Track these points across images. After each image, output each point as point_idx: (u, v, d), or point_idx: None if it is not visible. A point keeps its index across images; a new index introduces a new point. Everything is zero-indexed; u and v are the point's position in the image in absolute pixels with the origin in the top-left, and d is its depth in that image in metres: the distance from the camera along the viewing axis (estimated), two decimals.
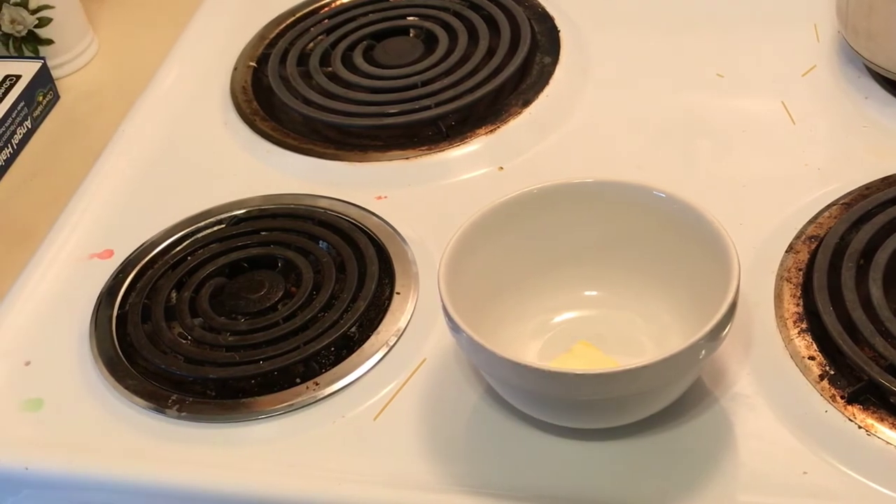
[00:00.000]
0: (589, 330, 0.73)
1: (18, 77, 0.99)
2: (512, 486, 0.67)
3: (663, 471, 0.67)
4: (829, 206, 0.79)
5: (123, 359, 0.77)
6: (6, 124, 0.96)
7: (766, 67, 0.92)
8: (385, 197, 0.86)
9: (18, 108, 0.97)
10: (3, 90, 0.98)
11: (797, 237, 0.77)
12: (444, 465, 0.69)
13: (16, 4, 1.01)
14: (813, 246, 0.76)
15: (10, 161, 0.96)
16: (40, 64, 1.00)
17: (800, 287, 0.74)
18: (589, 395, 0.64)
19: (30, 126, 0.99)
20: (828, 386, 0.68)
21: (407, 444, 0.70)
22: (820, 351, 0.70)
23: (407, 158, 0.89)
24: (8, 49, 1.04)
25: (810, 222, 0.78)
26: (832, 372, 0.69)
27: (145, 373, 0.76)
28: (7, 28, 1.02)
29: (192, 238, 0.85)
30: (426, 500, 0.67)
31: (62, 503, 0.74)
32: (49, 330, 0.80)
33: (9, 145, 0.96)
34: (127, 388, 0.75)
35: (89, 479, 0.72)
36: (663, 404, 0.67)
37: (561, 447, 0.68)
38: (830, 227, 0.77)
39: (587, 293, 0.75)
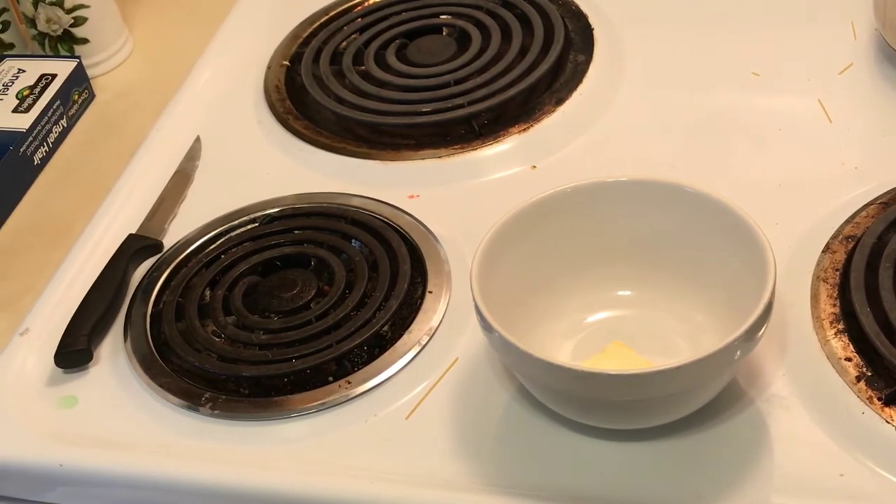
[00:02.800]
0: (622, 330, 0.73)
1: (54, 76, 0.99)
2: (544, 487, 0.67)
3: (697, 472, 0.66)
4: (866, 206, 0.78)
5: (157, 356, 0.77)
6: (42, 123, 0.96)
7: (803, 65, 0.91)
8: (417, 196, 0.86)
9: (54, 106, 0.98)
10: (39, 89, 0.98)
11: (834, 237, 0.76)
12: (475, 464, 0.68)
13: (51, 4, 1.01)
14: (850, 246, 0.75)
15: (45, 159, 0.97)
16: (76, 63, 1.01)
17: (836, 287, 0.73)
18: (622, 396, 0.64)
19: (65, 125, 0.99)
20: (864, 387, 0.68)
21: (438, 443, 0.70)
22: (857, 352, 0.69)
23: (439, 157, 0.89)
24: (44, 48, 1.05)
25: (847, 222, 0.77)
26: (869, 373, 0.68)
27: (179, 370, 0.77)
28: (43, 27, 1.03)
29: (226, 236, 0.85)
30: (458, 500, 0.67)
31: (96, 500, 0.75)
32: None
33: (45, 144, 0.97)
34: (161, 385, 0.75)
35: (123, 476, 0.72)
36: (698, 405, 0.67)
37: (594, 448, 0.68)
38: (868, 227, 0.76)
39: (620, 293, 0.74)
